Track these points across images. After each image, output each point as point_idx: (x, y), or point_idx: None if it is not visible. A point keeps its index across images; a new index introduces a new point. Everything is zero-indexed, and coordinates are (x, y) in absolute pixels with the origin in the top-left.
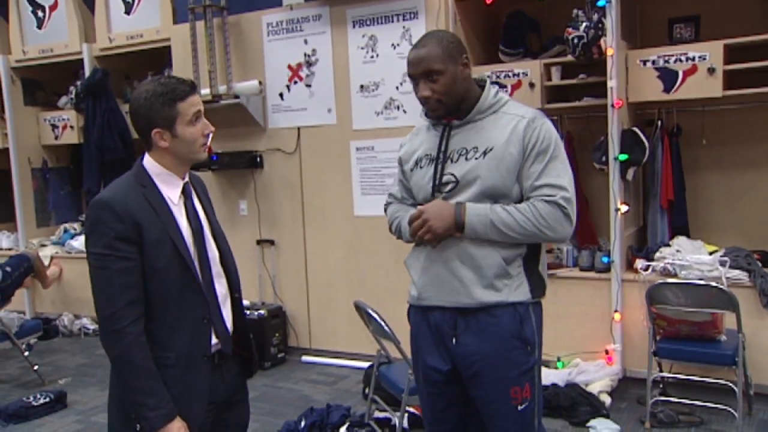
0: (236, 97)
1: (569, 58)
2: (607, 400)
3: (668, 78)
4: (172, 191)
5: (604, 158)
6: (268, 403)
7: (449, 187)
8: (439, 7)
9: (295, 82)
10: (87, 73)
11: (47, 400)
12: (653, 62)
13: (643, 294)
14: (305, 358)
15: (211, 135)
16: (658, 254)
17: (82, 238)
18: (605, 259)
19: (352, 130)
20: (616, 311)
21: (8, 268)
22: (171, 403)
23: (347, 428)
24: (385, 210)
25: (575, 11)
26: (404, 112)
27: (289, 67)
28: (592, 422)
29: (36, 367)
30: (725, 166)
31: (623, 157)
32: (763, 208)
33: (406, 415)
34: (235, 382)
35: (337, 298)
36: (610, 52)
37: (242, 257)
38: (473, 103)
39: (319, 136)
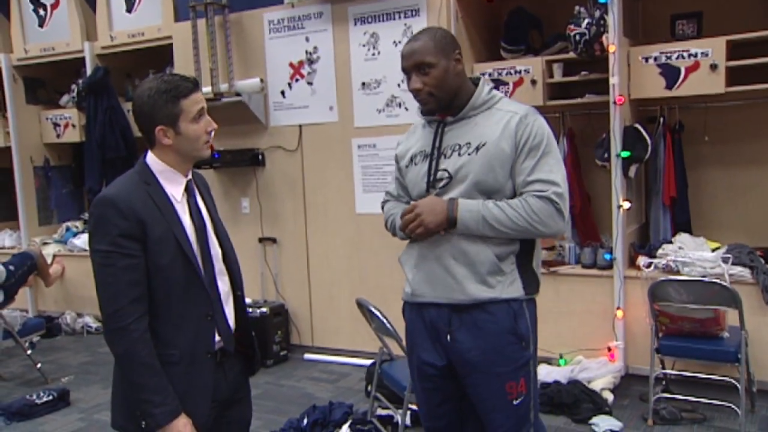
0: (238, 94)
1: (571, 54)
2: (609, 397)
3: (670, 74)
4: (175, 189)
5: (606, 155)
6: (271, 401)
7: (443, 182)
8: (441, 4)
9: (297, 80)
10: (88, 71)
11: (50, 398)
12: (655, 59)
13: (646, 291)
14: (307, 355)
15: (213, 132)
16: (660, 251)
17: (84, 237)
18: (607, 256)
19: (354, 127)
20: (618, 308)
21: (12, 267)
22: (176, 400)
23: (350, 426)
24: (382, 207)
25: (577, 8)
26: (406, 109)
27: (291, 64)
28: (594, 419)
29: (39, 365)
30: (728, 163)
31: (625, 154)
32: (765, 204)
33: (408, 412)
34: (238, 379)
35: (339, 295)
36: (612, 48)
37: (244, 255)
38: (467, 100)
39: (320, 133)
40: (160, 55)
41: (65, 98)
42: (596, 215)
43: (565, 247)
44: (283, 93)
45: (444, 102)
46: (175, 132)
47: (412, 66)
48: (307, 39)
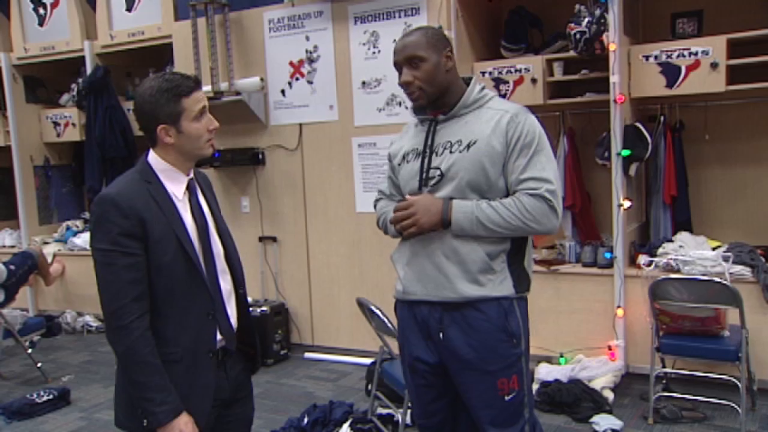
0: (238, 93)
1: (571, 53)
2: (610, 396)
3: (671, 73)
4: (176, 187)
5: (606, 154)
6: (271, 400)
7: (434, 180)
8: (441, 2)
9: (297, 79)
10: (88, 70)
11: (51, 397)
12: (656, 57)
13: (646, 290)
14: (308, 354)
15: (215, 131)
16: (660, 250)
17: (84, 236)
18: (608, 255)
19: (354, 126)
20: (618, 307)
21: (12, 266)
22: (177, 398)
23: (350, 425)
24: (375, 206)
25: (577, 6)
26: (406, 108)
27: (291, 63)
28: (594, 418)
29: (39, 365)
30: (728, 162)
31: (626, 152)
32: (766, 203)
33: (409, 411)
34: (240, 378)
35: (340, 294)
36: (612, 47)
37: (244, 254)
38: (458, 98)
39: (320, 132)
40: (160, 54)
41: (65, 97)
42: (597, 214)
43: (565, 245)
44: (283, 92)
45: (433, 97)
46: (177, 131)
47: (404, 59)
48: (307, 38)
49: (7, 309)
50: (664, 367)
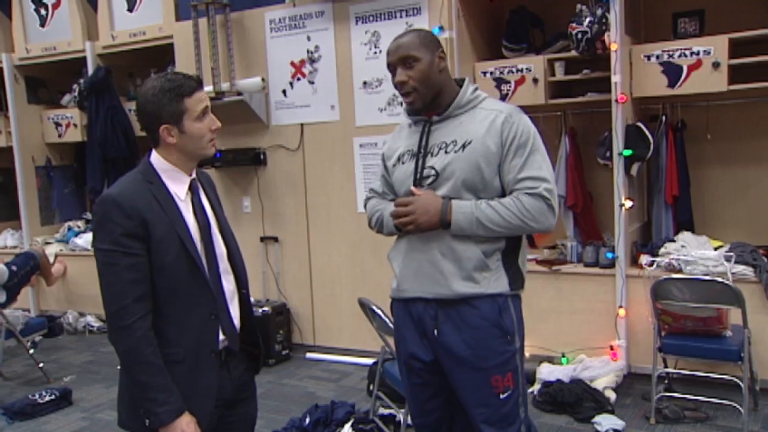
0: (239, 94)
1: (573, 53)
2: (611, 396)
3: (672, 73)
4: (179, 187)
5: (608, 154)
6: (273, 400)
7: (430, 180)
8: (442, 2)
9: (298, 79)
10: (90, 70)
11: (53, 397)
12: (657, 57)
13: (648, 290)
14: (309, 355)
15: (217, 130)
16: (662, 250)
17: (86, 236)
18: (610, 255)
19: (356, 126)
20: (620, 307)
21: (14, 267)
22: (180, 398)
23: (352, 425)
24: (365, 205)
25: (579, 6)
26: None
27: (292, 63)
28: (596, 418)
29: (41, 365)
30: (730, 161)
31: (627, 152)
32: None
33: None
34: (243, 378)
35: (341, 294)
36: (613, 47)
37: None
38: (452, 99)
39: (322, 132)
40: (161, 54)
41: (67, 98)
42: (598, 214)
43: (567, 245)
44: (284, 92)
45: (427, 98)
46: (180, 131)
47: (398, 60)
48: (308, 38)
49: (8, 309)
50: (666, 367)
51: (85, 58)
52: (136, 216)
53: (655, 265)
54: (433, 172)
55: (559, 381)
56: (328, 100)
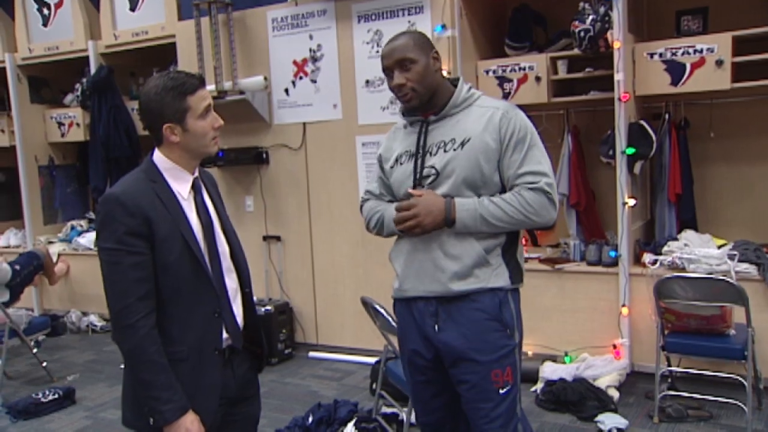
0: (241, 93)
1: (576, 51)
2: (615, 394)
3: (676, 71)
4: (181, 186)
5: (611, 152)
6: (276, 399)
7: (430, 179)
8: (445, 1)
9: (301, 78)
10: (92, 70)
11: (56, 396)
12: (660, 55)
13: (651, 288)
14: (312, 353)
15: (220, 128)
16: (665, 248)
17: (89, 235)
18: (613, 254)
19: (358, 125)
20: (623, 305)
21: (17, 267)
22: (184, 397)
23: (355, 424)
24: (361, 208)
25: (581, 4)
26: None
27: (295, 62)
28: (600, 417)
29: (44, 364)
30: (733, 159)
31: (630, 150)
32: None
33: (413, 410)
34: (247, 377)
35: (344, 293)
36: (617, 45)
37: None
38: (447, 99)
39: (324, 131)
40: (163, 53)
41: (69, 97)
42: (601, 212)
43: (570, 244)
44: (286, 91)
45: (425, 98)
46: (183, 129)
47: (394, 63)
48: (310, 37)
49: (12, 308)
50: (669, 365)
51: (87, 57)
52: (140, 214)
53: (658, 264)
54: (433, 171)
55: (562, 380)
56: (331, 99)
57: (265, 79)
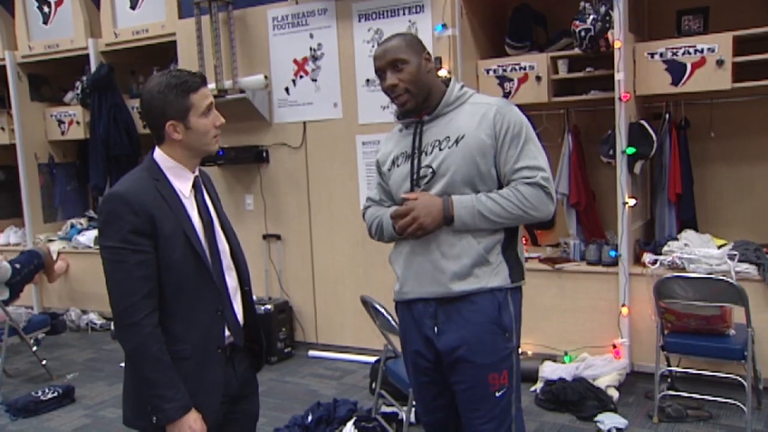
0: (242, 91)
1: (576, 51)
2: (614, 394)
3: (676, 71)
4: (183, 184)
5: (611, 152)
6: (275, 398)
7: (427, 178)
8: (445, 0)
9: (301, 77)
10: (93, 68)
11: (55, 394)
12: (661, 55)
13: (651, 288)
14: (312, 352)
15: (221, 126)
16: (666, 248)
17: (88, 234)
18: (613, 253)
19: (358, 124)
20: (623, 305)
21: (17, 265)
22: (187, 395)
23: (354, 423)
24: (363, 215)
25: (582, 4)
26: None
27: (295, 61)
28: (599, 417)
29: (44, 362)
30: (734, 159)
31: (631, 150)
32: None
33: (413, 409)
34: (246, 375)
35: (344, 292)
36: (617, 44)
37: (248, 252)
38: (440, 98)
39: (324, 130)
40: (164, 52)
41: (69, 95)
42: (601, 212)
43: (570, 243)
44: (287, 90)
45: (419, 98)
46: (185, 126)
47: (387, 64)
48: (311, 35)
49: (11, 306)
50: (669, 365)
51: (87, 55)
52: (144, 213)
53: (658, 264)
54: (430, 170)
55: (561, 379)
56: (331, 98)
57: (266, 77)
